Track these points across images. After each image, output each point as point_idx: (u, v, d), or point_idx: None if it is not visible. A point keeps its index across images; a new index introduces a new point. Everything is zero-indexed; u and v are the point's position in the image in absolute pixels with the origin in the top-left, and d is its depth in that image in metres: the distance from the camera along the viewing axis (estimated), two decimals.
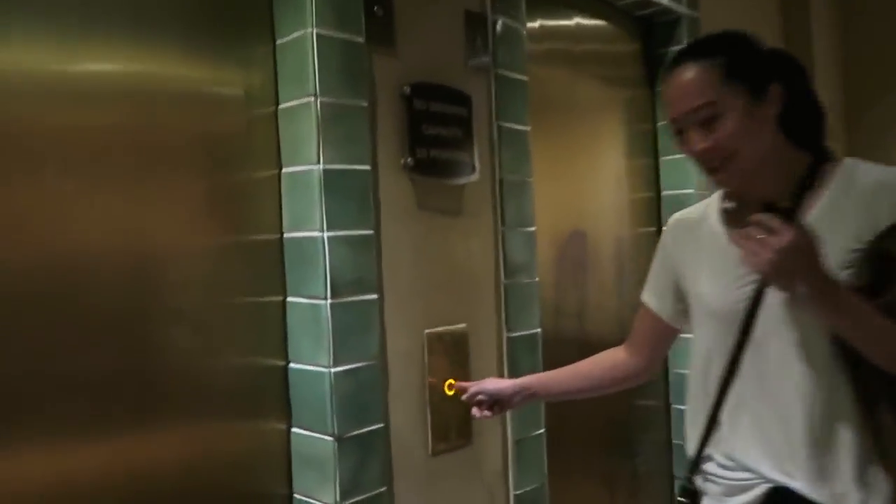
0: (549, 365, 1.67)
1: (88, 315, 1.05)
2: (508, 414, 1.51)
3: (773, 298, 1.00)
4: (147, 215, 1.11)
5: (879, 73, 2.89)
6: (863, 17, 2.97)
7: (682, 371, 2.17)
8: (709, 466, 1.09)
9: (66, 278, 1.03)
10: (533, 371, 1.57)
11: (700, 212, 1.16)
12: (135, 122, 1.11)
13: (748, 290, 1.02)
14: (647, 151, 2.23)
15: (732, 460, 1.05)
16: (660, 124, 2.23)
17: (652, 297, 1.23)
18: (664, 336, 1.25)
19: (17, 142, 0.99)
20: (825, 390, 0.97)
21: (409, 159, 1.35)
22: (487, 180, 1.51)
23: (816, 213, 0.99)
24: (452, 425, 1.40)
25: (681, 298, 1.17)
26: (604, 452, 2.05)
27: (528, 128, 1.61)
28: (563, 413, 1.88)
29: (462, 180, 1.45)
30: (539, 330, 1.59)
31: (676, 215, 1.22)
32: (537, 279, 1.60)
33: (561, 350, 1.88)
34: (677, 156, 2.19)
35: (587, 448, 1.99)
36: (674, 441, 2.19)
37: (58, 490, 1.01)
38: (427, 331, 1.36)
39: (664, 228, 1.23)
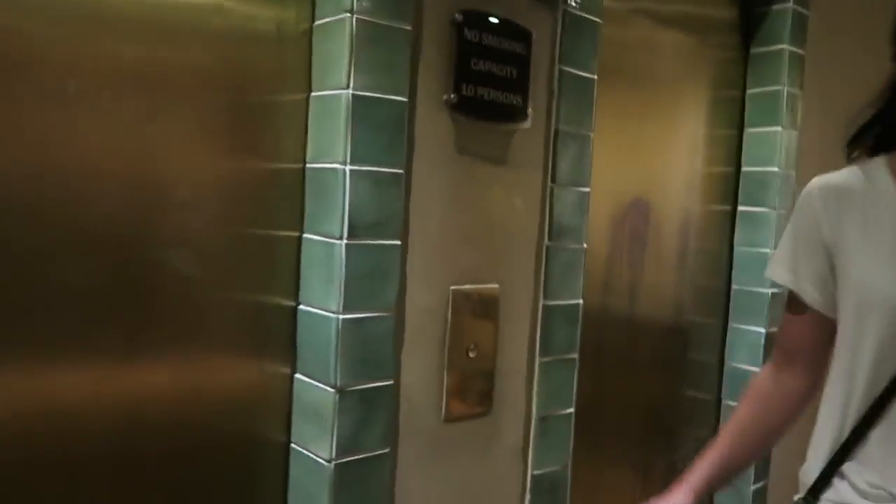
0: (587, 342, 1.54)
1: (87, 226, 0.97)
2: (535, 388, 1.38)
3: None
4: (162, 132, 1.02)
5: None
6: None
7: (739, 365, 1.98)
8: (841, 491, 0.90)
9: (69, 187, 0.96)
10: (569, 344, 1.43)
11: (856, 181, 0.94)
12: (157, 37, 1.01)
13: None
14: (731, 121, 2.02)
15: (880, 489, 0.86)
16: (750, 92, 2.01)
17: (807, 286, 0.97)
18: (827, 335, 0.97)
19: (38, 60, 0.92)
20: None
21: (452, 95, 1.21)
22: (541, 129, 1.36)
23: None
24: (472, 391, 1.28)
25: (834, 283, 0.95)
26: (640, 441, 1.90)
27: (594, 76, 1.44)
28: (599, 393, 1.75)
29: (511, 126, 1.31)
30: (581, 301, 1.45)
31: (823, 181, 0.97)
32: (585, 246, 1.45)
33: (604, 328, 1.74)
34: (764, 128, 1.97)
35: (622, 434, 1.84)
36: None
37: (40, 411, 0.95)
38: (454, 287, 1.24)
39: (808, 197, 0.97)
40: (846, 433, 0.90)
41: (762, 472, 1.98)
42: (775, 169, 1.96)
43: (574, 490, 1.52)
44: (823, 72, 2.07)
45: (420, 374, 1.21)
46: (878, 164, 0.94)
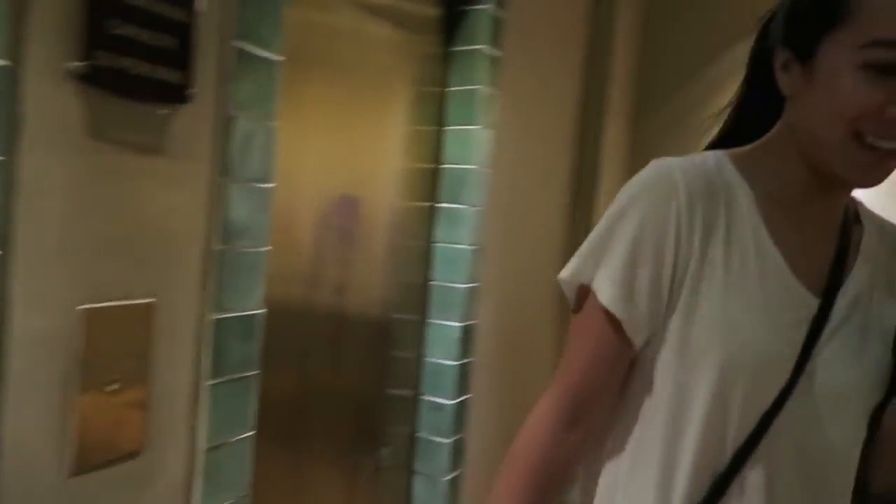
0: (289, 348, 1.40)
1: None
2: (207, 414, 1.19)
3: (831, 347, 0.69)
4: None
5: (669, 80, 2.96)
6: (664, 21, 3.01)
7: (437, 360, 2.00)
8: None
9: None
10: (246, 361, 1.26)
11: (717, 179, 0.72)
12: None
13: (801, 331, 0.68)
14: (433, 118, 2.01)
15: None
16: (450, 90, 2.01)
17: (642, 315, 0.70)
18: (622, 375, 0.75)
19: None
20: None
21: (80, 64, 0.95)
22: (209, 115, 1.16)
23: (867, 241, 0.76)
24: (114, 432, 1.05)
25: (664, 311, 0.71)
26: (347, 444, 1.83)
27: (279, 57, 1.28)
28: (302, 401, 1.63)
29: (168, 108, 1.09)
30: (262, 311, 1.29)
31: (684, 168, 0.71)
32: (268, 248, 1.29)
33: (314, 328, 1.64)
34: (463, 126, 2.00)
35: (328, 440, 1.74)
36: (417, 434, 2.03)
37: None
38: (86, 306, 0.99)
39: (667, 188, 0.70)
40: None
41: (457, 461, 2.04)
42: (473, 167, 2.00)
43: None
44: (518, 73, 2.16)
45: (32, 422, 0.94)
46: (724, 160, 0.74)
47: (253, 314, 1.27)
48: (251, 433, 1.30)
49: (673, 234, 0.69)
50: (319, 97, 1.61)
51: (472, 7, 1.98)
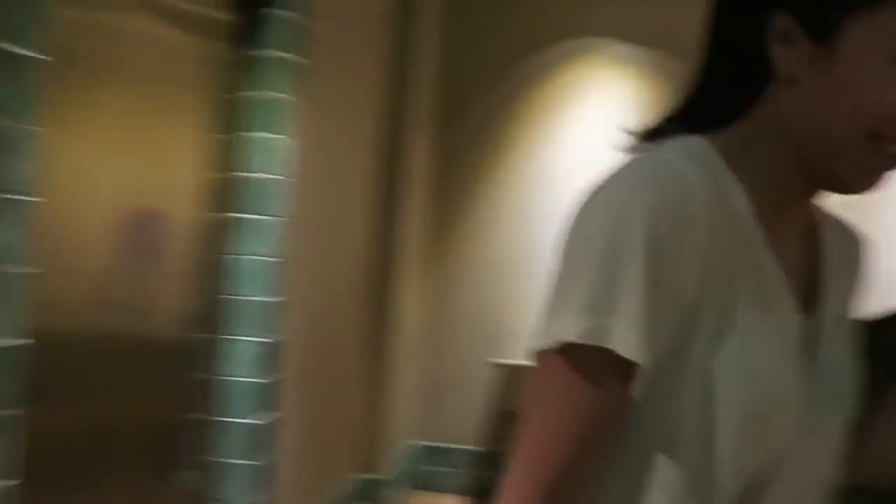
0: (77, 379, 1.25)
1: None
2: None
3: (824, 371, 0.62)
4: None
5: (473, 85, 3.09)
6: (466, 28, 3.15)
7: (239, 379, 1.91)
8: None
9: None
10: (4, 401, 1.11)
11: (720, 179, 0.58)
12: None
13: (802, 360, 0.60)
14: (231, 126, 1.92)
15: None
16: (249, 97, 1.93)
17: (652, 354, 0.55)
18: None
19: None
20: None
21: None
22: None
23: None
24: None
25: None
26: (139, 480, 1.68)
27: (43, 57, 1.14)
28: (81, 440, 1.49)
29: None
30: (27, 342, 1.14)
31: (689, 165, 0.56)
32: (34, 270, 1.15)
33: (103, 356, 1.52)
34: (264, 135, 1.93)
35: (114, 479, 1.59)
36: (219, 459, 1.92)
37: None
38: None
39: (683, 222, 0.54)
40: None
41: (263, 484, 1.96)
42: (275, 176, 1.94)
43: None
44: (322, 81, 2.14)
45: None
46: (710, 153, 0.59)
47: (13, 346, 1.11)
48: (15, 482, 1.14)
49: (692, 279, 0.55)
50: (104, 103, 1.48)
51: (270, 12, 1.93)
